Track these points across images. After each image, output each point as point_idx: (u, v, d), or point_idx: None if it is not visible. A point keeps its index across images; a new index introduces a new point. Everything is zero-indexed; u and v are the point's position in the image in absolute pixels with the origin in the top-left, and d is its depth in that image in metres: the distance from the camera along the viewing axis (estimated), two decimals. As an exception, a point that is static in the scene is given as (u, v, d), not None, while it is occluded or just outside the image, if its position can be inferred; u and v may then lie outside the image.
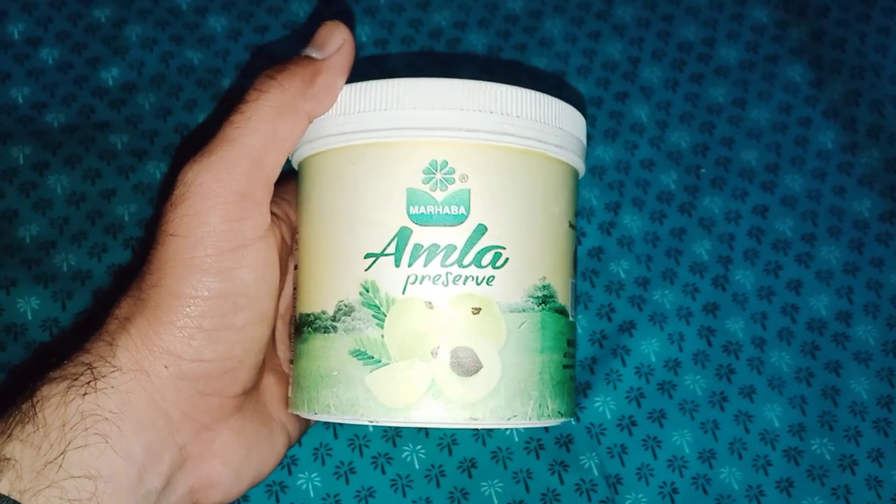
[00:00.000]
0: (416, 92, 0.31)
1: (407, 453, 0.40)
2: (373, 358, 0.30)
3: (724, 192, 0.47)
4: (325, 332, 0.31)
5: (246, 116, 0.31)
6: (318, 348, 0.31)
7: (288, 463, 0.40)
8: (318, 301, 0.32)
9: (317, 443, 0.40)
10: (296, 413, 0.33)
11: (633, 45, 0.50)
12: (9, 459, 0.27)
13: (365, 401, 0.30)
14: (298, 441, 0.40)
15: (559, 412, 0.32)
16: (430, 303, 0.30)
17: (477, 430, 0.41)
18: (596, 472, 0.40)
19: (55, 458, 0.28)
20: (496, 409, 0.30)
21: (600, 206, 0.46)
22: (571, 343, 0.33)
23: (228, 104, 0.31)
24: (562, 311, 0.32)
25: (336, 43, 0.32)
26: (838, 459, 0.41)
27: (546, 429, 0.41)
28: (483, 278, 0.31)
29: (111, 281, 0.42)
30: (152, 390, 0.30)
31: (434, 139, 0.31)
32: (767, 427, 0.41)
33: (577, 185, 0.35)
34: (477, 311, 0.30)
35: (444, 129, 0.31)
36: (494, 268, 0.31)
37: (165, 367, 0.30)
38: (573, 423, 0.41)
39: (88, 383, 0.29)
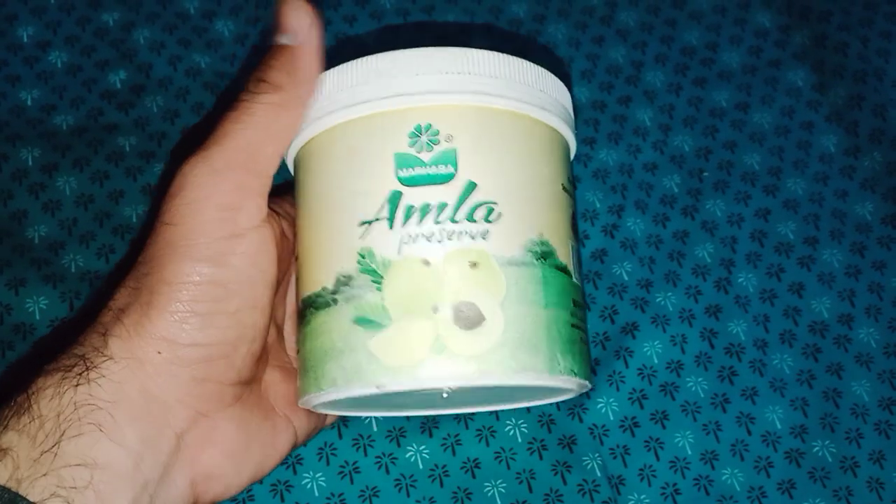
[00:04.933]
0: (396, 62, 0.32)
1: (411, 453, 0.40)
2: (374, 322, 0.30)
3: (727, 196, 0.47)
4: (326, 307, 0.31)
5: (247, 113, 0.32)
6: (320, 325, 0.31)
7: (293, 462, 0.40)
8: (318, 279, 0.32)
9: (321, 442, 0.40)
10: (304, 398, 0.32)
11: (637, 49, 0.51)
12: (5, 449, 0.28)
13: (368, 365, 0.30)
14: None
15: (572, 370, 0.31)
16: (426, 260, 0.30)
17: (480, 429, 0.41)
18: (598, 473, 0.40)
19: (51, 448, 0.28)
20: (503, 361, 0.30)
21: (603, 208, 0.46)
22: (578, 304, 0.33)
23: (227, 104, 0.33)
24: (564, 270, 0.32)
25: (304, 24, 0.33)
26: (840, 461, 0.41)
27: (557, 406, 0.41)
28: (477, 233, 0.30)
29: (109, 276, 0.43)
30: (145, 378, 0.30)
31: (416, 105, 0.31)
32: (769, 429, 0.42)
33: (568, 157, 0.35)
34: (474, 265, 0.30)
35: (425, 93, 0.31)
36: (488, 222, 0.31)
37: (159, 352, 0.30)
38: (577, 423, 0.41)
39: (81, 374, 0.30)
